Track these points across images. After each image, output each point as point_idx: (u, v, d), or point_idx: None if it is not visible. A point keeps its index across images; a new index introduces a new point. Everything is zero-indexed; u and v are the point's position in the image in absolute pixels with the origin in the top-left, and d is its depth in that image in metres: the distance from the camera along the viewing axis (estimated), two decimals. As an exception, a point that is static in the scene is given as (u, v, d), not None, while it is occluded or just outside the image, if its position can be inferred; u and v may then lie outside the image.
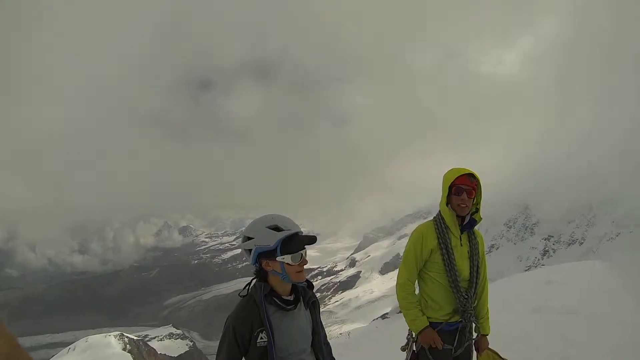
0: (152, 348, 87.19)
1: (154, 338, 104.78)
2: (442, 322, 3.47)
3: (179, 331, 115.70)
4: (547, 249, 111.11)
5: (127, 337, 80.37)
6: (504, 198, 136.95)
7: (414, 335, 3.55)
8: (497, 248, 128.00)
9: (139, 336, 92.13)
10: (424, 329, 3.41)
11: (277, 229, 2.59)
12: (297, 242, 2.62)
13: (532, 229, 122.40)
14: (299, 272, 2.64)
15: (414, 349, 3.54)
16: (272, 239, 2.56)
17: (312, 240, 2.71)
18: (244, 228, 2.75)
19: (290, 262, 2.58)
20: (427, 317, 3.48)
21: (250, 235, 2.61)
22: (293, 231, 2.62)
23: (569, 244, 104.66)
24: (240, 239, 2.72)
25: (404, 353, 3.64)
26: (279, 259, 2.57)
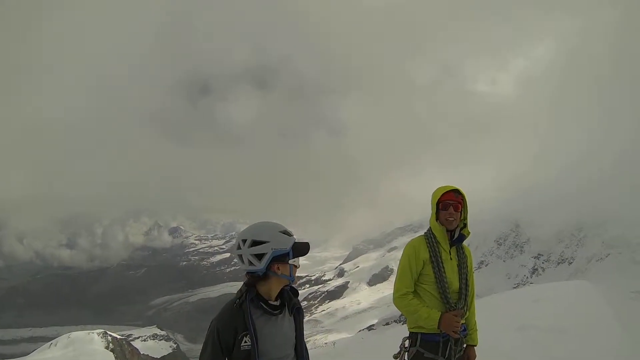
0: (135, 348, 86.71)
1: (138, 338, 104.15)
2: (432, 333, 3.54)
3: (163, 332, 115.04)
4: (536, 267, 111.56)
5: (110, 335, 79.81)
6: (496, 215, 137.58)
7: (406, 345, 3.66)
8: (487, 265, 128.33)
9: (122, 335, 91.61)
10: (441, 317, 3.49)
11: (288, 233, 2.75)
12: (302, 247, 2.80)
13: (522, 247, 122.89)
14: (296, 275, 2.84)
15: (406, 358, 3.63)
16: (287, 243, 2.70)
17: (308, 246, 2.86)
18: (235, 232, 2.74)
19: (297, 264, 2.81)
20: (419, 327, 3.60)
21: (264, 240, 2.66)
22: (295, 238, 2.78)
23: (558, 263, 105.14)
24: (243, 244, 2.69)
25: None
26: (291, 262, 2.74)
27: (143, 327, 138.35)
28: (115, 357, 72.18)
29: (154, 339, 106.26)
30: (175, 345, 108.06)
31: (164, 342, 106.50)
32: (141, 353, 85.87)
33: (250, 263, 2.66)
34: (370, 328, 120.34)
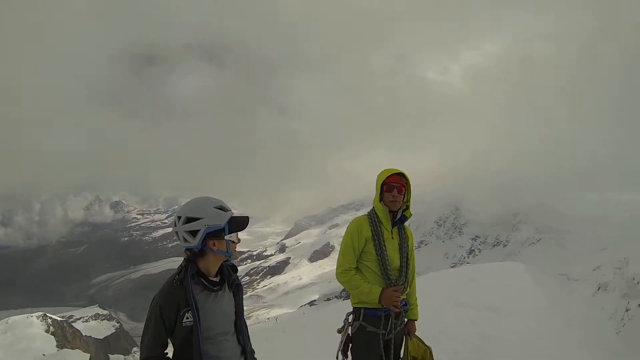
0: (77, 330, 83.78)
1: (79, 319, 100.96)
2: (374, 308, 3.64)
3: (105, 312, 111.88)
4: (473, 248, 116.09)
5: (50, 318, 76.35)
6: (437, 198, 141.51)
7: (350, 320, 3.76)
8: (427, 244, 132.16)
9: (63, 317, 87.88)
10: (382, 292, 3.58)
11: (223, 209, 2.70)
12: (240, 221, 2.75)
13: (461, 229, 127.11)
14: (235, 250, 2.78)
15: (349, 332, 3.73)
16: (222, 219, 2.66)
17: (248, 220, 2.82)
18: (177, 207, 2.75)
19: (234, 240, 2.74)
20: (362, 302, 3.70)
21: (198, 216, 2.62)
22: (232, 212, 2.73)
23: (494, 245, 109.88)
24: (178, 221, 2.66)
25: (339, 336, 3.80)
26: (227, 237, 2.68)
27: (84, 307, 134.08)
28: (57, 341, 69.23)
29: (96, 319, 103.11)
30: (118, 325, 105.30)
31: (107, 322, 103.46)
32: (83, 335, 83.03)
33: (185, 240, 2.64)
34: (311, 303, 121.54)
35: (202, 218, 2.61)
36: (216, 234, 2.64)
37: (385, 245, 3.71)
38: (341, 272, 3.77)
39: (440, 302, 9.54)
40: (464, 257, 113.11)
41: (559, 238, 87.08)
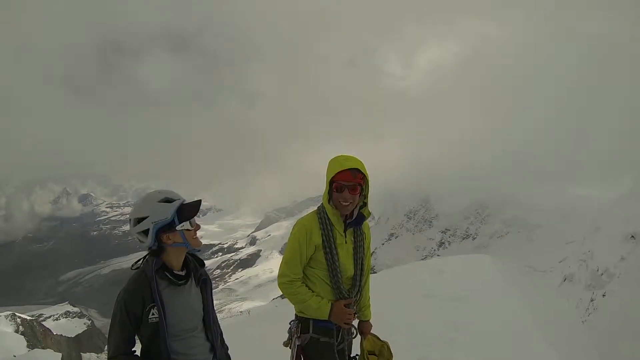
0: (47, 328, 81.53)
1: (49, 317, 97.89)
2: (324, 320, 3.25)
3: (76, 309, 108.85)
4: (443, 241, 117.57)
5: (19, 317, 74.31)
6: (407, 191, 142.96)
7: (297, 332, 3.33)
8: (397, 237, 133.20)
9: (32, 316, 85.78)
10: (332, 308, 3.20)
11: (168, 200, 2.60)
12: (190, 208, 2.64)
13: (431, 221, 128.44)
14: (195, 237, 2.66)
15: (298, 343, 3.30)
16: (167, 211, 2.56)
17: (199, 203, 2.71)
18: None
19: (189, 227, 2.61)
20: (309, 315, 3.28)
21: (144, 215, 2.57)
22: (181, 200, 2.64)
23: (463, 238, 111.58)
24: (130, 224, 2.64)
25: (288, 349, 3.40)
26: (178, 228, 2.57)
27: (54, 304, 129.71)
28: (27, 340, 67.45)
29: (66, 317, 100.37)
30: (89, 322, 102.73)
31: (78, 320, 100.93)
32: (54, 333, 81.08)
33: (141, 241, 2.60)
34: (283, 297, 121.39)
35: (148, 216, 2.55)
36: (167, 227, 2.57)
37: (337, 253, 3.23)
38: (285, 283, 3.26)
39: (409, 294, 9.71)
40: (434, 250, 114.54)
41: (526, 231, 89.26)
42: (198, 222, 2.72)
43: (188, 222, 2.61)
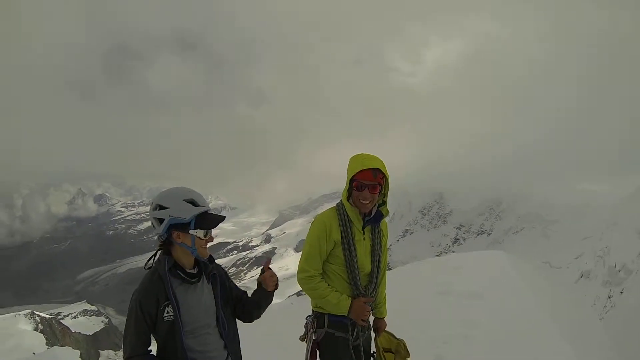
0: (66, 326, 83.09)
1: (67, 315, 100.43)
2: (340, 315, 3.31)
3: (93, 307, 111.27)
4: (457, 237, 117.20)
5: (38, 315, 76.01)
6: (421, 187, 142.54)
7: (313, 326, 3.40)
8: (412, 233, 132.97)
9: (51, 314, 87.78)
10: (351, 304, 3.25)
11: (193, 203, 2.63)
12: (211, 220, 2.68)
13: (445, 217, 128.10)
14: (204, 247, 2.69)
15: (314, 338, 3.38)
16: (188, 213, 2.60)
17: (222, 219, 2.78)
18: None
19: (202, 237, 2.63)
20: (326, 310, 3.35)
21: (165, 205, 2.61)
22: (206, 208, 2.68)
23: (478, 234, 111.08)
24: (150, 206, 2.70)
25: (304, 343, 3.46)
26: (192, 232, 2.60)
27: (72, 303, 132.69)
28: (46, 338, 68.74)
29: (84, 315, 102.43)
30: (107, 320, 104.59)
31: (95, 318, 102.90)
32: (72, 331, 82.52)
33: (154, 226, 2.65)
34: (299, 293, 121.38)
35: (168, 208, 2.60)
36: (181, 227, 2.61)
37: (355, 250, 3.29)
38: (304, 278, 3.33)
39: (424, 290, 9.66)
40: (449, 246, 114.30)
41: (541, 227, 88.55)
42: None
43: (202, 231, 2.64)
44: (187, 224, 2.60)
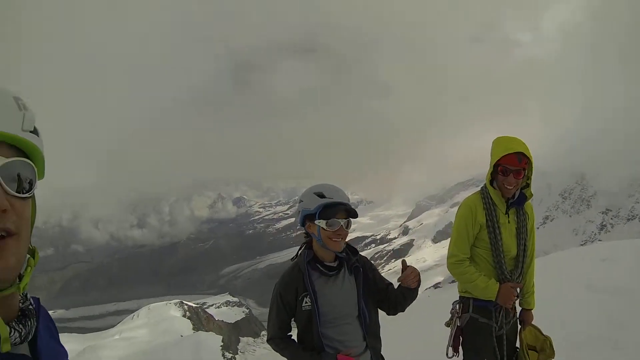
0: (210, 315, 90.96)
1: (212, 305, 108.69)
2: (485, 300, 3.35)
3: (235, 299, 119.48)
4: (604, 223, 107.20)
5: (186, 304, 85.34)
6: (559, 167, 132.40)
7: (458, 311, 3.49)
8: (552, 220, 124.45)
9: (197, 304, 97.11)
10: (499, 289, 3.27)
11: (321, 195, 2.77)
12: (333, 210, 2.72)
13: (589, 201, 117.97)
14: (333, 239, 2.72)
15: (458, 324, 3.46)
16: (313, 203, 2.76)
17: (349, 212, 2.78)
18: (297, 197, 3.17)
19: (324, 227, 2.70)
20: (470, 293, 3.42)
21: (302, 199, 2.86)
22: (335, 200, 2.75)
23: (629, 220, 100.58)
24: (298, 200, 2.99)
25: (449, 328, 3.56)
26: (316, 222, 2.74)
27: (216, 295, 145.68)
28: (193, 324, 76.50)
29: (227, 306, 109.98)
30: (247, 310, 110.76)
31: (237, 308, 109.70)
32: (216, 319, 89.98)
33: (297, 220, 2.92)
34: (436, 286, 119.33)
35: (302, 201, 2.84)
36: (311, 217, 2.77)
37: (500, 233, 3.32)
38: (454, 263, 3.40)
39: (568, 284, 9.08)
40: (595, 234, 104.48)
41: None
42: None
43: (324, 221, 2.71)
44: (314, 214, 2.75)
